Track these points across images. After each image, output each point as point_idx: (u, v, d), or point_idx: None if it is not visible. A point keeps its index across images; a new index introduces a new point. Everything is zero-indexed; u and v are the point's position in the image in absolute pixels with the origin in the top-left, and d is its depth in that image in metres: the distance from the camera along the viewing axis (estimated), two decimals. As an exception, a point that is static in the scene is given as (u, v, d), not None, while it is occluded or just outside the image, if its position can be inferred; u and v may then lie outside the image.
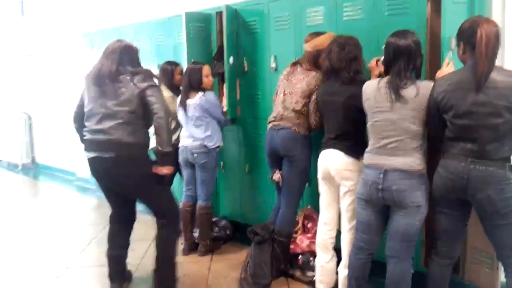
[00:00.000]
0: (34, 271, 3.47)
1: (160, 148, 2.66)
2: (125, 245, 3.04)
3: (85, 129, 2.76)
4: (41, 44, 7.21)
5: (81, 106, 2.84)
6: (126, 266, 3.08)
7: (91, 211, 5.31)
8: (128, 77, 2.65)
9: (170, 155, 2.72)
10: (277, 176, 3.04)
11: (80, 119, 2.84)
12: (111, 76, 2.65)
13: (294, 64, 3.04)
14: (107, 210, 5.02)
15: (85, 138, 2.76)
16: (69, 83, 6.38)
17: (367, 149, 2.38)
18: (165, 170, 2.73)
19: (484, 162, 2.01)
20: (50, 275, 3.37)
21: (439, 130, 2.18)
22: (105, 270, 3.41)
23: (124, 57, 2.70)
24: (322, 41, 2.83)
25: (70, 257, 3.72)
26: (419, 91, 2.17)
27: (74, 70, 6.02)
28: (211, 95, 3.49)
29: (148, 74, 2.72)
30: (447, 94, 2.07)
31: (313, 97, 2.85)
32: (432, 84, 2.20)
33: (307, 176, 3.03)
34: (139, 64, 2.83)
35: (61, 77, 6.72)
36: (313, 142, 2.98)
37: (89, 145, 2.72)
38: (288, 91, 2.95)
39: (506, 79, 1.97)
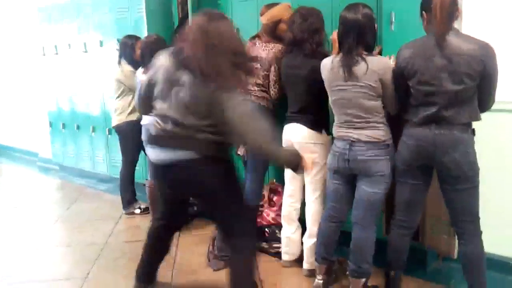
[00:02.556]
0: (-4, 254, 3.40)
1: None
2: (168, 247, 2.55)
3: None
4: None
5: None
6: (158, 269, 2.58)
7: (54, 191, 5.20)
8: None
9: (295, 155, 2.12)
10: (241, 150, 3.04)
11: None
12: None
13: (253, 38, 3.01)
14: (70, 190, 5.02)
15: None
16: (27, 60, 6.16)
17: (334, 123, 2.41)
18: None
19: (447, 126, 2.05)
20: (14, 256, 3.30)
21: (403, 98, 2.20)
22: (70, 249, 3.38)
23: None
24: (278, 12, 2.83)
25: (35, 237, 3.64)
26: (368, 67, 2.17)
27: (32, 46, 5.81)
28: None
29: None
30: (411, 61, 2.08)
31: (272, 68, 2.84)
32: (383, 58, 2.22)
33: None
34: None
35: (19, 54, 6.46)
36: (278, 116, 2.98)
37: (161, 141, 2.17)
38: None
39: (470, 46, 1.98)
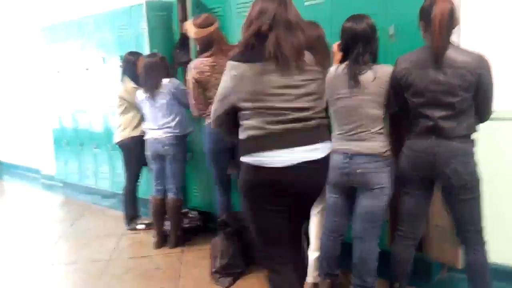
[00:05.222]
0: (1, 271, 3.39)
1: None
2: None
3: None
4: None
5: None
6: None
7: (58, 208, 5.20)
8: None
9: None
10: (232, 169, 3.06)
11: None
12: None
13: (207, 58, 3.04)
14: (74, 207, 5.03)
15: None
16: (31, 78, 6.22)
17: (332, 135, 2.39)
18: None
19: (446, 138, 2.05)
20: (18, 273, 3.30)
21: (401, 109, 2.21)
22: (75, 266, 3.38)
23: None
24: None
25: (39, 255, 3.64)
26: (376, 75, 2.19)
27: (35, 65, 5.86)
28: (177, 80, 3.52)
29: None
30: (407, 72, 2.10)
31: None
32: (389, 67, 2.23)
33: None
34: None
35: (22, 74, 6.52)
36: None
37: None
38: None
39: (465, 59, 2.00)
